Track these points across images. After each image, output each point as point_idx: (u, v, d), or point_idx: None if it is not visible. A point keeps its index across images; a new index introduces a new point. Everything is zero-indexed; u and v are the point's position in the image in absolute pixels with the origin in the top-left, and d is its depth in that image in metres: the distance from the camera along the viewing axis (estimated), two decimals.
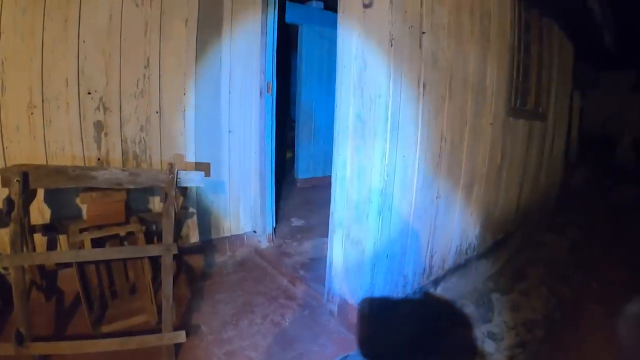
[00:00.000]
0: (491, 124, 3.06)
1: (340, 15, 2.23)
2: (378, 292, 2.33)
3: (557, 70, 4.76)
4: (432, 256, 2.69)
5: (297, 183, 5.54)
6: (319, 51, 5.27)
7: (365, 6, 2.14)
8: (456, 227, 2.86)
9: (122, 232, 2.24)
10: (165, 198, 2.05)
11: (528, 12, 3.84)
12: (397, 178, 2.21)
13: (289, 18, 4.84)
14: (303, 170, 5.54)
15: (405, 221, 2.36)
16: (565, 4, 3.97)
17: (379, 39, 2.07)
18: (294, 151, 5.74)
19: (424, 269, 2.66)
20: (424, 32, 2.27)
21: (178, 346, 2.09)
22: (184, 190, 2.93)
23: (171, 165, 2.05)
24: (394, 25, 2.04)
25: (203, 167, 2.96)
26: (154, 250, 2.07)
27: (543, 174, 4.70)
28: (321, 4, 5.25)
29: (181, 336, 2.02)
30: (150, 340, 2.00)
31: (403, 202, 2.29)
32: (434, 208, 2.56)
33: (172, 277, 2.08)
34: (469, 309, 3.08)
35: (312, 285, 2.69)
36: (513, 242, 4.00)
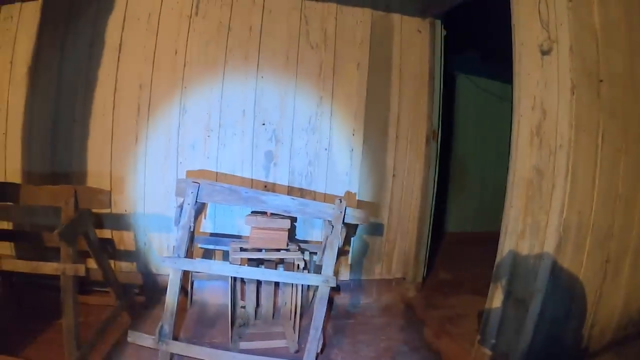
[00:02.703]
0: None
1: (516, 63, 2.19)
2: (534, 357, 2.11)
3: None
4: (592, 326, 2.37)
5: (446, 236, 5.37)
6: (474, 102, 5.13)
7: (544, 53, 2.09)
8: (621, 297, 2.51)
9: (279, 257, 2.35)
10: (331, 231, 2.11)
11: None
12: (572, 235, 2.02)
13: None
14: (453, 223, 5.41)
15: (574, 284, 2.13)
16: None
17: (558, 87, 1.99)
18: (444, 203, 5.63)
19: (582, 339, 2.36)
20: (601, 80, 2.13)
21: None
22: (346, 227, 3.02)
23: (340, 200, 2.12)
24: (575, 73, 1.96)
25: (367, 207, 3.02)
26: (313, 279, 2.13)
27: None
28: (477, 54, 5.17)
29: None
30: None
31: (574, 262, 2.08)
32: (602, 272, 2.29)
33: (325, 309, 2.10)
34: None
35: (458, 341, 2.53)
36: None
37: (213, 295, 2.74)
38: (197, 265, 2.38)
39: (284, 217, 2.33)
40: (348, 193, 3.00)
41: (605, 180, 2.18)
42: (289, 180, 2.88)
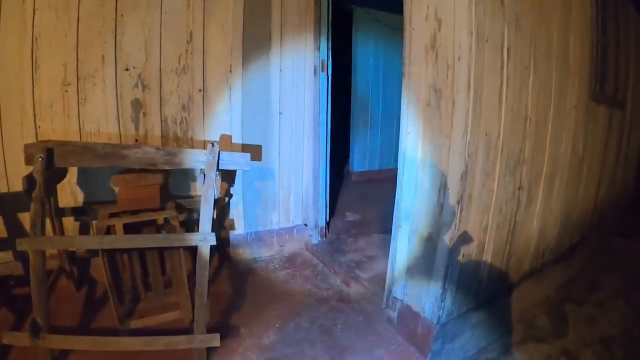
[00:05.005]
0: (575, 106, 2.61)
1: None
2: (449, 299, 1.95)
3: (634, 55, 4.20)
4: (509, 258, 2.27)
5: (352, 176, 5.22)
6: (374, 36, 4.84)
7: None
8: (536, 225, 2.43)
9: (158, 218, 1.99)
10: (204, 181, 1.76)
11: None
12: (479, 161, 1.82)
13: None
14: (358, 163, 5.20)
15: (485, 214, 1.97)
16: None
17: None
18: (348, 143, 5.42)
19: (500, 273, 2.25)
20: None
21: (211, 349, 1.83)
22: (228, 176, 2.67)
23: (213, 145, 1.77)
24: None
25: (252, 150, 2.69)
26: (188, 239, 1.78)
27: (620, 171, 4.13)
28: None
29: (214, 340, 1.75)
30: (179, 342, 1.74)
31: (484, 191, 1.90)
32: (515, 200, 2.15)
33: (207, 271, 1.80)
34: (542, 321, 2.68)
35: (369, 286, 2.33)
36: (588, 247, 3.49)
37: (100, 272, 2.33)
38: (56, 242, 1.96)
39: (154, 171, 1.94)
40: (227, 137, 2.64)
41: (513, 99, 1.98)
42: (163, 130, 2.48)
